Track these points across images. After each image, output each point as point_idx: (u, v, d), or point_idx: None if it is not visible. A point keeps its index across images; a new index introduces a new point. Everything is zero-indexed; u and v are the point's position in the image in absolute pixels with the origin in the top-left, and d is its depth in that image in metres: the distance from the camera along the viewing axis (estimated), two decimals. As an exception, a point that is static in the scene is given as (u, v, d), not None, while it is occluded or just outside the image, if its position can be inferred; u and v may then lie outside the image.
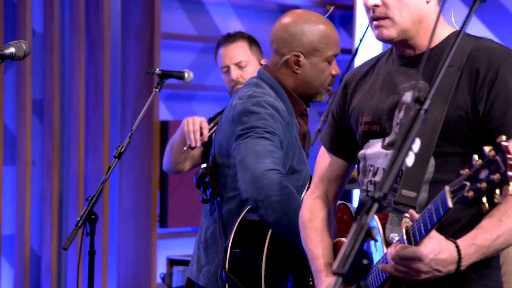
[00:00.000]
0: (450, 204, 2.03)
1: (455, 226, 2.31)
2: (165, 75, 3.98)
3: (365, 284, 1.83)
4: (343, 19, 7.87)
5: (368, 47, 7.16)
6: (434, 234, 2.18)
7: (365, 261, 1.82)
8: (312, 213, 2.62)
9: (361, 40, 4.87)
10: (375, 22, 2.41)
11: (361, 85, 2.57)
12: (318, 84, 3.30)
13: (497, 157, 1.91)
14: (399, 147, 1.99)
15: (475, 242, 2.21)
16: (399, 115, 2.41)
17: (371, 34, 7.65)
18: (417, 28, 2.40)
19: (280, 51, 3.23)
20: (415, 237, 2.18)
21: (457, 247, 2.20)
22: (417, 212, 2.24)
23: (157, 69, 4.01)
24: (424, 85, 2.36)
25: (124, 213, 5.95)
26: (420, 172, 2.29)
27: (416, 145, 2.31)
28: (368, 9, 2.42)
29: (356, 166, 2.61)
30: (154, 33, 5.97)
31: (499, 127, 2.27)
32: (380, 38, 2.43)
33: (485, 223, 2.23)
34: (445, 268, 2.20)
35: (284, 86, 3.22)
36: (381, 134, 2.45)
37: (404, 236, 2.21)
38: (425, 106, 2.03)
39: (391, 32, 2.40)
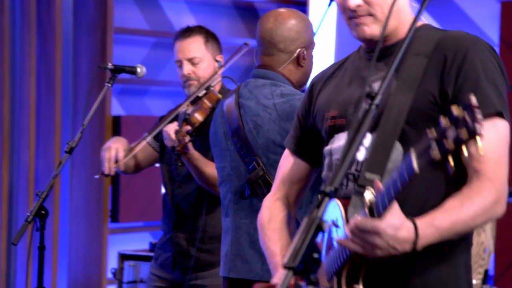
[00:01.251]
0: (415, 166, 1.96)
1: (416, 205, 2.26)
2: (117, 70, 3.96)
3: (315, 277, 1.84)
4: (297, 15, 7.88)
5: (321, 42, 7.20)
6: (396, 208, 2.13)
7: (315, 255, 1.82)
8: (271, 214, 2.60)
9: (314, 36, 4.89)
10: (355, 20, 2.36)
11: (328, 84, 2.54)
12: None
13: (464, 114, 1.83)
14: (350, 142, 2.00)
15: (434, 224, 2.17)
16: (365, 104, 2.37)
17: (324, 30, 7.61)
18: (397, 22, 2.37)
19: (289, 49, 3.46)
20: (377, 208, 2.13)
21: (415, 226, 2.15)
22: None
23: (109, 64, 3.99)
24: (393, 75, 2.32)
25: (75, 208, 5.90)
26: (385, 155, 2.26)
27: (367, 139, 2.33)
28: (345, 7, 2.36)
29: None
30: (107, 28, 5.92)
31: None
32: (361, 36, 2.38)
33: (447, 205, 2.19)
34: (401, 246, 2.14)
35: (292, 81, 3.45)
36: (347, 127, 2.41)
37: (366, 210, 2.16)
38: (376, 101, 2.04)
39: (373, 29, 2.36)
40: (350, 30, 2.41)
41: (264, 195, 3.16)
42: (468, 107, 1.84)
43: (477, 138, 1.82)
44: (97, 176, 4.12)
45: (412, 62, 2.32)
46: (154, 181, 4.35)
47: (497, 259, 5.70)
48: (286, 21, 3.47)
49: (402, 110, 2.27)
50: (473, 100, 1.84)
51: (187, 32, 4.14)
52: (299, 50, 3.46)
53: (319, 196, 1.90)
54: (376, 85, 2.35)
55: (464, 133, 1.83)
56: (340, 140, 2.42)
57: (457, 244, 2.32)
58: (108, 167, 4.03)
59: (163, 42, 6.39)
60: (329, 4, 4.87)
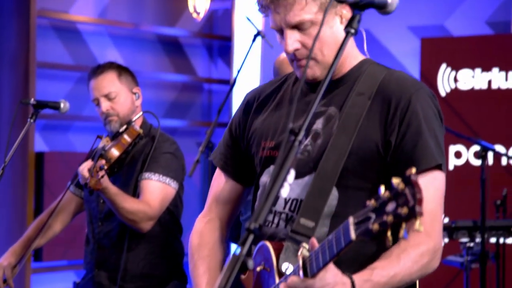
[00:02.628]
0: (353, 235, 1.94)
1: (354, 261, 2.25)
2: (40, 105, 3.91)
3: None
4: (221, 49, 7.93)
5: (246, 77, 7.24)
6: (330, 267, 2.10)
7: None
8: (201, 239, 2.54)
9: (239, 71, 4.91)
10: (296, 63, 2.35)
11: (264, 106, 2.50)
12: None
13: (406, 190, 1.84)
14: (274, 178, 1.99)
15: (371, 279, 2.15)
16: (305, 142, 2.35)
17: (248, 64, 7.66)
18: (342, 58, 2.35)
19: None
20: (311, 268, 2.10)
21: (352, 283, 2.13)
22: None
23: (32, 99, 3.94)
24: (335, 113, 2.32)
25: (-3, 247, 5.78)
26: (321, 202, 2.24)
27: (291, 176, 2.33)
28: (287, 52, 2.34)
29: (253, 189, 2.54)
30: (29, 62, 5.86)
31: (409, 160, 2.24)
32: (304, 78, 2.33)
33: (383, 259, 2.19)
34: None
35: None
36: None
37: (300, 267, 2.13)
38: (299, 137, 2.03)
39: (315, 71, 2.34)
40: (294, 72, 2.39)
41: None
42: (409, 183, 1.84)
43: (417, 219, 1.82)
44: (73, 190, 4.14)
45: (355, 101, 2.31)
46: (78, 219, 4.29)
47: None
48: None
49: (342, 154, 2.26)
50: (414, 177, 1.84)
51: (99, 69, 4.11)
52: None
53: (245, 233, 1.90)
54: (319, 122, 2.33)
55: (404, 211, 1.83)
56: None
57: None
58: None
59: (87, 77, 6.35)
60: (254, 39, 4.90)
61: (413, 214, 1.82)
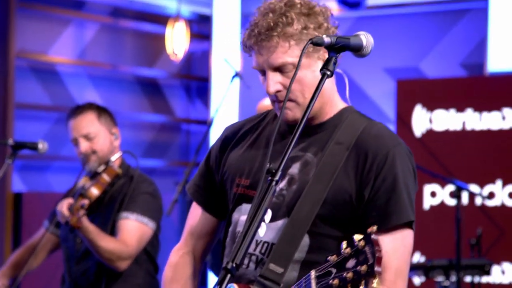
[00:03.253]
0: None
1: None
2: (18, 146, 3.92)
3: None
4: (199, 90, 7.98)
5: (224, 117, 7.28)
6: None
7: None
8: (174, 273, 2.54)
9: (217, 111, 4.96)
10: (278, 104, 2.36)
11: (241, 142, 2.51)
12: None
13: (366, 248, 1.88)
14: (251, 218, 2.01)
15: None
16: (281, 185, 2.35)
17: (226, 105, 7.71)
18: (320, 103, 2.36)
19: None
20: None
21: None
22: None
23: (10, 140, 3.95)
24: (312, 159, 2.33)
25: (-27, 288, 5.74)
26: (291, 248, 2.25)
27: (268, 215, 2.35)
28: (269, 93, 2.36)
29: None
30: (8, 103, 5.88)
31: (382, 214, 2.26)
32: (285, 119, 2.37)
33: None
34: None
35: None
36: None
37: None
38: (276, 177, 2.06)
39: (295, 113, 2.34)
40: (275, 113, 2.41)
41: None
42: (370, 242, 1.88)
43: (376, 279, 1.87)
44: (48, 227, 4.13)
45: (333, 150, 2.32)
46: (55, 259, 4.29)
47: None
48: None
49: (316, 202, 2.27)
50: (374, 237, 1.88)
51: (78, 109, 4.13)
52: None
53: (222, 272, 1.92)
54: (295, 166, 2.35)
55: (363, 269, 1.88)
56: (247, 213, 2.35)
57: None
58: None
59: (65, 117, 6.37)
60: (232, 80, 4.96)
61: (371, 273, 1.87)
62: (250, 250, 2.34)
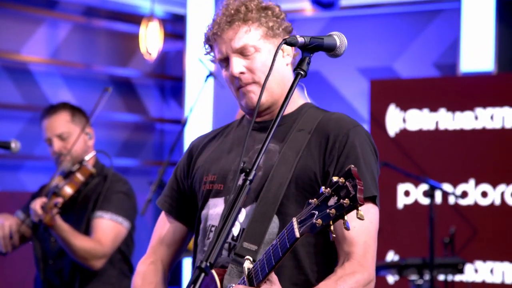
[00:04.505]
0: (297, 233, 2.02)
1: (290, 284, 2.31)
2: (-10, 145, 3.90)
3: None
4: (173, 90, 7.98)
5: (198, 117, 7.28)
6: (275, 281, 2.16)
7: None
8: (144, 281, 2.57)
9: (191, 110, 4.96)
10: (242, 89, 2.43)
11: (207, 147, 2.58)
12: None
13: (346, 183, 1.93)
14: (225, 218, 2.03)
15: None
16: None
17: (200, 104, 7.70)
18: (281, 90, 2.44)
19: None
20: (256, 275, 2.16)
21: None
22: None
23: (-17, 139, 3.93)
24: (274, 147, 2.39)
25: None
26: (263, 228, 2.29)
27: (242, 215, 2.37)
28: (232, 78, 2.43)
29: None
30: (-20, 102, 5.84)
31: None
32: (250, 104, 2.43)
33: (322, 285, 2.23)
34: None
35: None
36: (225, 193, 2.44)
37: (246, 278, 2.18)
38: (250, 176, 2.08)
39: (258, 96, 2.38)
40: (239, 102, 2.46)
41: None
42: (350, 176, 1.93)
43: (360, 211, 1.91)
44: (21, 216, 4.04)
45: (295, 136, 2.39)
46: (29, 256, 4.26)
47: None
48: None
49: (282, 183, 2.33)
50: (354, 168, 1.93)
51: (52, 109, 4.12)
52: None
53: (196, 271, 1.93)
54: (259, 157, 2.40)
55: (346, 202, 1.92)
56: (216, 206, 2.45)
57: None
58: (5, 245, 3.97)
59: (38, 117, 6.35)
60: (206, 80, 4.96)
61: (354, 203, 1.91)
62: None
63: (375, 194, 2.33)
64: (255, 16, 2.41)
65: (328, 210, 1.95)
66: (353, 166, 1.95)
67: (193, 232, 2.61)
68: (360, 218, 1.90)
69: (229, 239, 2.37)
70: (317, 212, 1.98)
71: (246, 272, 2.19)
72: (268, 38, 2.41)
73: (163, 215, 2.65)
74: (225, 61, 2.44)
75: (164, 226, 2.62)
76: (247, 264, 2.21)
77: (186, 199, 2.60)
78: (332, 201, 1.95)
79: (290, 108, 2.47)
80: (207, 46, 2.49)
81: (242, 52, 2.41)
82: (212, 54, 2.50)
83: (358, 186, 1.91)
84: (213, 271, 2.30)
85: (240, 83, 2.42)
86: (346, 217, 1.94)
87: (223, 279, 2.28)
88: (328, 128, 2.39)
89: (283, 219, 2.33)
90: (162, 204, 2.64)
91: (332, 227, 1.96)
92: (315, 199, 1.99)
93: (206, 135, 2.65)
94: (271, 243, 2.28)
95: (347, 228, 1.95)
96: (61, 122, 4.08)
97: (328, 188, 1.96)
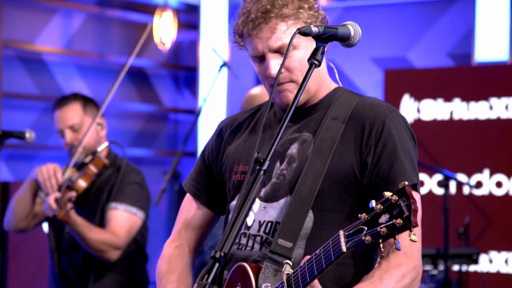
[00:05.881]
0: (344, 248, 1.98)
1: (334, 285, 2.27)
2: (5, 135, 3.90)
3: None
4: (187, 80, 7.97)
5: (212, 107, 7.28)
6: (316, 285, 2.12)
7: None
8: (170, 265, 2.53)
9: (205, 100, 4.96)
10: (278, 88, 2.37)
11: (237, 133, 2.52)
12: None
13: (400, 202, 1.87)
14: (239, 208, 2.02)
15: None
16: (281, 166, 2.37)
17: (214, 94, 7.68)
18: (317, 86, 2.40)
19: None
20: (296, 283, 2.12)
21: None
22: (291, 268, 2.19)
23: (-3, 129, 3.93)
24: (309, 137, 2.35)
25: (-39, 278, 5.73)
26: (298, 223, 2.26)
27: (256, 205, 2.36)
28: (267, 77, 2.37)
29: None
30: (-5, 92, 5.85)
31: (386, 179, 2.27)
32: (285, 102, 2.38)
33: (366, 281, 2.19)
34: None
35: None
36: None
37: (285, 284, 2.15)
38: (264, 167, 2.06)
39: (295, 95, 2.32)
40: (273, 97, 2.38)
41: None
42: (403, 195, 1.87)
43: (413, 229, 1.86)
44: (43, 197, 4.01)
45: (329, 126, 2.34)
46: (42, 248, 4.28)
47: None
48: None
49: (318, 177, 2.28)
50: (408, 189, 1.87)
51: (63, 100, 4.11)
52: None
53: (210, 261, 1.92)
54: (293, 147, 2.36)
55: (399, 222, 1.87)
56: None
57: None
58: (51, 185, 3.93)
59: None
60: (220, 70, 4.95)
61: (408, 225, 1.85)
62: (254, 231, 2.35)
63: (415, 182, 2.29)
64: (291, 12, 2.32)
65: (379, 229, 1.90)
66: (407, 183, 1.89)
67: (219, 215, 2.58)
68: (413, 240, 1.86)
69: (261, 232, 2.34)
70: (366, 228, 1.92)
71: (285, 278, 2.15)
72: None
73: (189, 197, 2.59)
74: (259, 58, 2.37)
75: (190, 209, 2.58)
76: (287, 269, 2.17)
77: (214, 184, 2.55)
78: (383, 219, 1.89)
79: (323, 92, 2.42)
80: (237, 37, 2.40)
81: (279, 51, 2.34)
82: (242, 47, 2.41)
83: (413, 207, 1.85)
84: (248, 267, 2.27)
85: (277, 81, 2.34)
86: (397, 238, 1.89)
87: (258, 277, 2.24)
88: (363, 116, 2.33)
89: (319, 213, 2.29)
90: (189, 188, 2.59)
91: (381, 246, 1.91)
92: (364, 214, 1.93)
93: (235, 117, 2.58)
94: (305, 237, 2.28)
95: (398, 249, 1.91)
96: (73, 114, 4.07)
97: (380, 205, 1.90)
